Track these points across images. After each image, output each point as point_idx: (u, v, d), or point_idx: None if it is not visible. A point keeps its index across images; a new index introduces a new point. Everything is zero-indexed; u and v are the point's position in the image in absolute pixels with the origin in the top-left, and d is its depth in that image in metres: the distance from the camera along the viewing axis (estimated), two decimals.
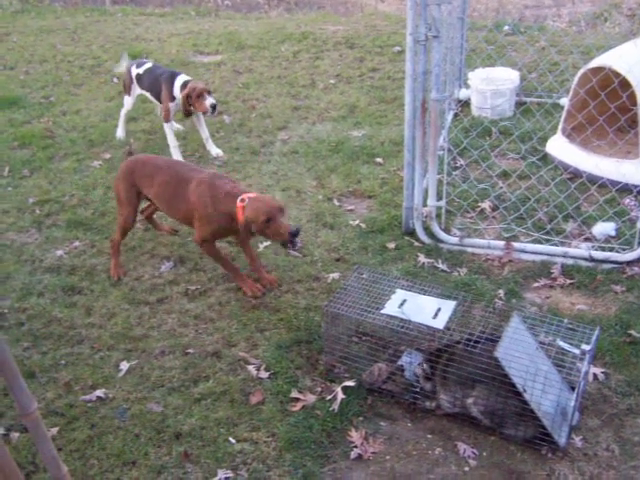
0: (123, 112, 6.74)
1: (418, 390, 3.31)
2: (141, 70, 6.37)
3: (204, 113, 6.05)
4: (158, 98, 6.31)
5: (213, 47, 9.86)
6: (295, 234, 3.88)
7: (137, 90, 6.52)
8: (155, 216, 4.99)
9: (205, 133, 6.32)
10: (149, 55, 9.14)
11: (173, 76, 6.12)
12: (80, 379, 3.62)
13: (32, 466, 3.10)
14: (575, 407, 3.03)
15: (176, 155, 6.20)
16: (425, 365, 3.28)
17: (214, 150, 6.30)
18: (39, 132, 6.89)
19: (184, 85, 5.99)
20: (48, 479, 2.99)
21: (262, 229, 3.92)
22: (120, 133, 6.79)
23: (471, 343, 3.10)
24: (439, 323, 3.20)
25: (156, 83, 6.23)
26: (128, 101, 6.64)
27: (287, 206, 4.37)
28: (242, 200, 3.97)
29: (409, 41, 4.32)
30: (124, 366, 3.70)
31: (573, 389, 3.13)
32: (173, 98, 6.09)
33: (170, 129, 6.24)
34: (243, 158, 6.20)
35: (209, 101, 5.87)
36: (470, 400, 3.15)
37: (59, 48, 10.15)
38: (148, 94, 6.44)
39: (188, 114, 6.05)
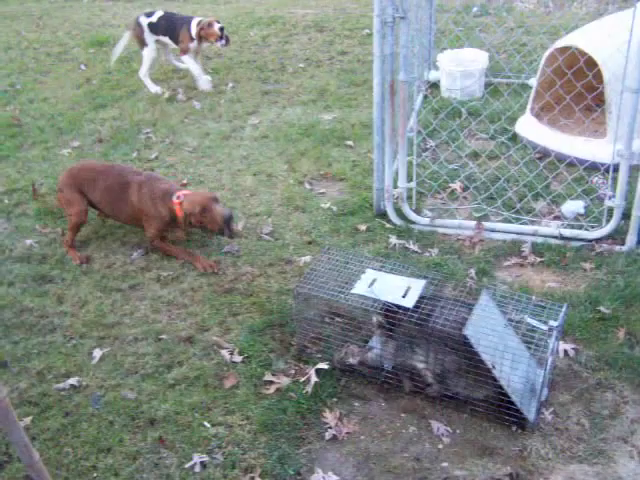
0: (146, 66, 7.24)
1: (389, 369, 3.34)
2: (154, 18, 7.11)
3: (214, 39, 7.06)
4: (175, 40, 7.15)
5: None
6: (229, 218, 4.31)
7: (152, 37, 7.11)
8: None
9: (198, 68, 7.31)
10: (116, 41, 9.02)
11: (189, 19, 7.08)
12: (53, 368, 3.60)
13: (6, 456, 3.09)
14: (543, 383, 3.07)
15: (200, 76, 7.33)
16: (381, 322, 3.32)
17: (203, 83, 7.36)
18: (6, 121, 6.80)
19: (198, 24, 7.02)
20: (22, 468, 2.98)
21: (200, 219, 4.32)
22: (154, 87, 7.32)
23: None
24: (409, 302, 3.21)
25: (174, 27, 7.09)
26: (148, 51, 7.18)
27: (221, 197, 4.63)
28: (178, 197, 4.38)
29: (376, 23, 4.31)
30: (97, 353, 3.68)
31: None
32: (192, 39, 7.04)
33: (190, 59, 7.19)
34: (214, 143, 6.17)
35: (217, 25, 7.00)
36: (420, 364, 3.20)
37: (24, 35, 10.00)
38: (166, 38, 7.21)
39: (200, 40, 7.10)
